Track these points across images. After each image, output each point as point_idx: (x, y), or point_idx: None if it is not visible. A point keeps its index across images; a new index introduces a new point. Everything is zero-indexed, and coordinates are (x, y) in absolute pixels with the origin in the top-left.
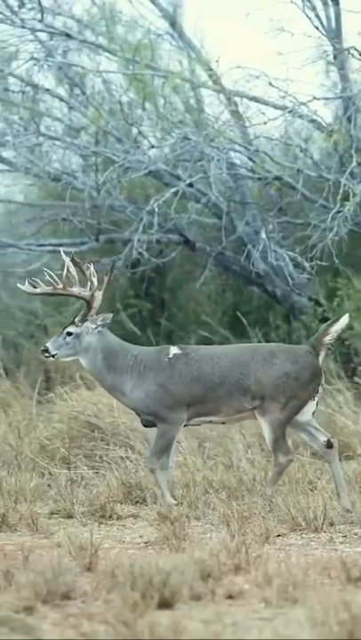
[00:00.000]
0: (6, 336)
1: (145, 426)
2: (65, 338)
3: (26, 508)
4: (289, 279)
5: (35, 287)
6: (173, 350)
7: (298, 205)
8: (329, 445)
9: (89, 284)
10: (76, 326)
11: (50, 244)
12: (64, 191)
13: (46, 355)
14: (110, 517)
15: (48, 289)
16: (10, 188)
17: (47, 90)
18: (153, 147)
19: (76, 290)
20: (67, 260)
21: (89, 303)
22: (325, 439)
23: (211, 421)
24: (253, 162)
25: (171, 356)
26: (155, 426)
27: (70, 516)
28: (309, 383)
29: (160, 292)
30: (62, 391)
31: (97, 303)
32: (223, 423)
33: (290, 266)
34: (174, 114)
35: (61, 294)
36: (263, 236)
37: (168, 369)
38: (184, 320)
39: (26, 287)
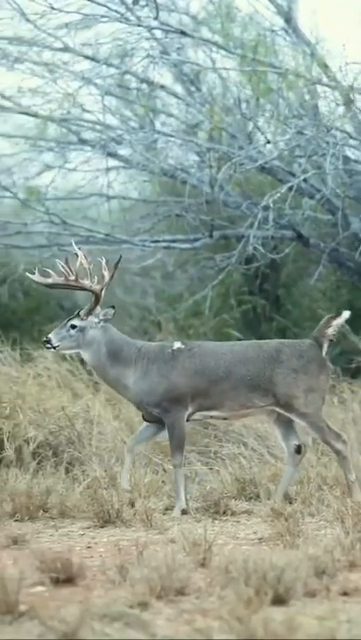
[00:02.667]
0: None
1: (146, 420)
2: (68, 330)
3: (140, 504)
4: None
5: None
6: (177, 345)
7: None
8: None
9: (96, 277)
10: (81, 319)
11: (164, 241)
12: (178, 187)
13: (48, 346)
14: (224, 513)
15: (60, 280)
16: (125, 185)
17: (163, 87)
18: (268, 142)
19: (87, 283)
20: (79, 252)
21: (97, 297)
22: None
23: (212, 417)
24: None
25: (174, 348)
26: (157, 421)
27: (185, 512)
28: (319, 375)
29: (274, 289)
30: None
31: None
32: (225, 419)
33: None
34: (290, 110)
35: (73, 286)
36: None
37: (171, 361)
38: (298, 316)
39: (36, 277)
